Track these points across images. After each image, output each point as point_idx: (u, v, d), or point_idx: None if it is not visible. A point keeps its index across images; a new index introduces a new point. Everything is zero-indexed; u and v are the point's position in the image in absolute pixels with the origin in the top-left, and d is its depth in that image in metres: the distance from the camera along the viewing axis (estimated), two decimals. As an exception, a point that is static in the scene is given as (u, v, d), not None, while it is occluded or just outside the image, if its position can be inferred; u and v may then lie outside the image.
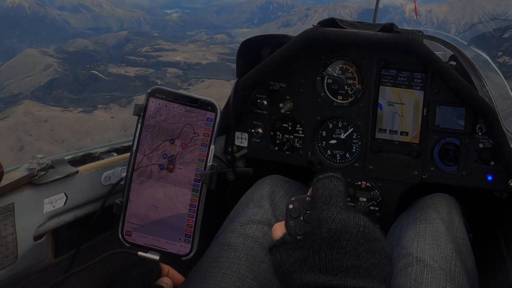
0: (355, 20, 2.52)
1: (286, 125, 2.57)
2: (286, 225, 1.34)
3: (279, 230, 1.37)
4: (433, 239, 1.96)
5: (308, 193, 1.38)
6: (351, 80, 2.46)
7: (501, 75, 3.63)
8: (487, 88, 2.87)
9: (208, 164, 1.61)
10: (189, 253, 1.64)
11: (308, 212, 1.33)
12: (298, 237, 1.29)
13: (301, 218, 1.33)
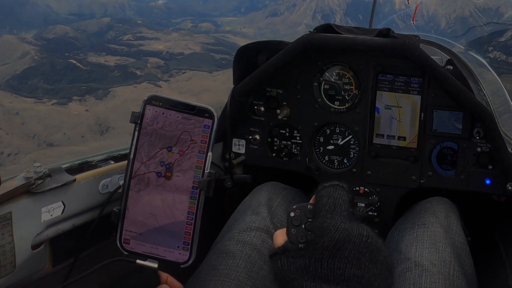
0: (352, 26, 2.53)
1: (284, 131, 2.57)
2: (288, 233, 1.33)
3: (280, 237, 1.36)
4: (431, 244, 1.96)
5: (311, 201, 1.37)
6: (348, 86, 2.46)
7: (498, 79, 3.63)
8: (484, 92, 2.88)
9: (205, 171, 1.61)
10: (188, 260, 1.63)
11: (309, 220, 1.32)
12: (300, 245, 1.28)
13: (303, 226, 1.32)
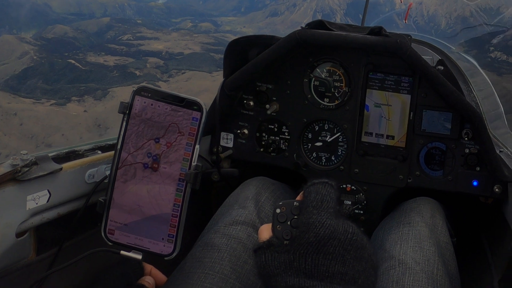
0: (344, 23, 2.53)
1: (272, 127, 2.57)
2: (273, 229, 1.33)
3: (265, 232, 1.36)
4: (416, 242, 1.96)
5: (299, 197, 1.37)
6: (338, 83, 2.46)
7: (489, 80, 3.64)
8: (474, 93, 2.89)
9: (192, 164, 1.61)
10: (172, 253, 1.63)
11: (295, 217, 1.32)
12: (285, 242, 1.28)
13: (288, 223, 1.32)
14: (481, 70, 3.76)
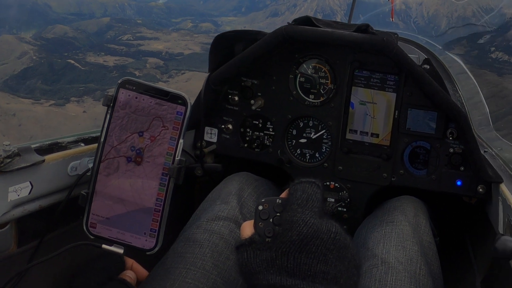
0: (332, 20, 2.52)
1: (257, 122, 2.57)
2: (255, 226, 1.32)
3: (247, 229, 1.36)
4: (399, 241, 1.96)
5: (283, 195, 1.37)
6: (324, 80, 2.46)
7: (474, 80, 3.65)
8: (460, 93, 2.89)
9: (176, 158, 1.60)
10: (154, 247, 1.63)
11: (278, 214, 1.31)
12: (267, 239, 1.27)
13: (271, 220, 1.31)
14: (467, 70, 3.77)
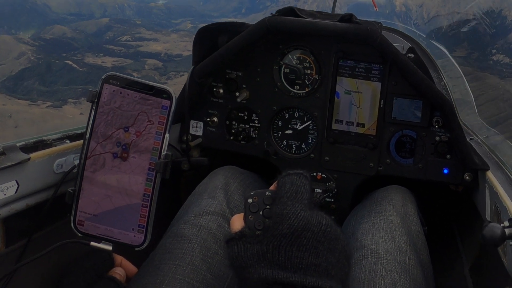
0: (316, 10, 2.52)
1: (242, 114, 2.56)
2: (245, 220, 1.32)
3: (237, 222, 1.36)
4: (388, 232, 1.96)
5: (272, 187, 1.36)
6: (309, 70, 2.45)
7: (459, 68, 3.66)
8: (445, 81, 2.90)
9: (162, 153, 1.60)
10: (143, 243, 1.62)
11: (267, 207, 1.31)
12: (257, 232, 1.27)
13: (261, 213, 1.31)
14: (451, 58, 3.78)
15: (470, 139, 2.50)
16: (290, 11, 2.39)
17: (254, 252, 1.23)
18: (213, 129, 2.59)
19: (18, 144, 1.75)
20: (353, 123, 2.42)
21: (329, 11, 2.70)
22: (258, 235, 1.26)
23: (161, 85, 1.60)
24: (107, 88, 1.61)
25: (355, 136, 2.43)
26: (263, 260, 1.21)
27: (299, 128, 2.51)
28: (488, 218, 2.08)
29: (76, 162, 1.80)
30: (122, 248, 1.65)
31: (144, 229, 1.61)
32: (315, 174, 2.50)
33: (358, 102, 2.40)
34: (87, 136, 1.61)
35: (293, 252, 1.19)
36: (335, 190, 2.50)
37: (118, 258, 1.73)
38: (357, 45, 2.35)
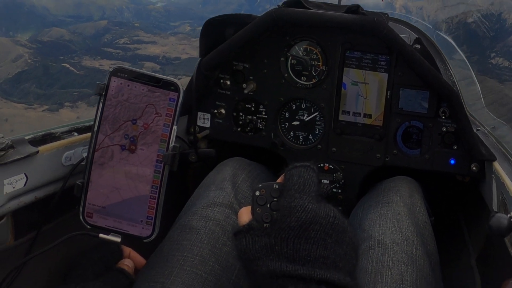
0: (323, 2, 2.52)
1: (249, 106, 2.56)
2: (253, 212, 1.32)
3: (245, 215, 1.36)
4: (395, 222, 1.96)
5: (279, 180, 1.37)
6: (315, 61, 2.45)
7: (466, 59, 3.65)
8: (451, 72, 2.89)
9: (170, 145, 1.60)
10: (151, 235, 1.63)
11: (275, 200, 1.31)
12: (265, 225, 1.28)
13: (268, 205, 1.31)
14: (458, 49, 3.77)
15: (477, 129, 2.50)
16: (297, 3, 2.39)
17: (262, 245, 1.24)
18: (221, 121, 2.59)
19: (26, 137, 1.75)
20: (360, 114, 2.43)
21: (336, 2, 2.69)
22: (265, 228, 1.26)
23: (168, 77, 1.61)
24: (114, 81, 1.61)
25: (362, 127, 2.43)
26: (271, 253, 1.22)
27: (306, 119, 2.52)
28: (494, 208, 2.08)
29: (85, 154, 1.81)
30: (130, 240, 1.65)
31: (153, 221, 1.62)
32: (322, 165, 2.51)
33: (365, 93, 2.40)
34: (95, 128, 1.62)
35: (301, 244, 1.20)
36: (342, 181, 2.51)
37: (127, 250, 1.74)
38: (363, 36, 2.35)
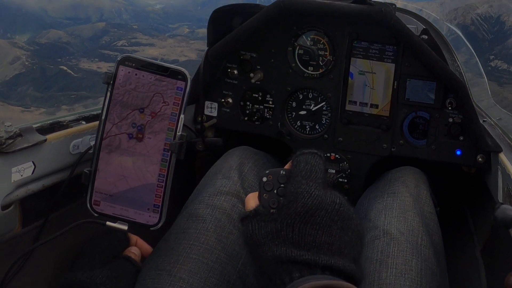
0: None
1: (256, 95, 2.57)
2: (260, 198, 1.33)
3: (252, 201, 1.37)
4: (400, 212, 1.97)
5: (286, 166, 1.38)
6: (323, 51, 2.46)
7: (473, 51, 3.64)
8: (458, 63, 2.89)
9: (177, 133, 1.61)
10: (158, 223, 1.64)
11: (282, 186, 1.32)
12: (272, 211, 1.29)
13: (275, 191, 1.32)
14: (465, 41, 3.75)
15: (483, 120, 2.50)
16: None
17: (268, 230, 1.25)
18: (228, 110, 2.60)
19: (34, 126, 1.76)
20: (366, 104, 2.43)
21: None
22: (272, 213, 1.27)
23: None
24: (122, 70, 1.62)
25: (369, 117, 2.44)
26: (277, 238, 1.23)
27: (313, 109, 2.52)
28: (500, 200, 2.08)
29: (92, 143, 1.82)
30: (137, 228, 1.66)
31: (159, 209, 1.63)
32: (328, 154, 2.51)
33: (371, 83, 2.40)
34: (103, 117, 1.62)
35: (306, 230, 1.21)
36: (349, 170, 2.51)
37: (134, 238, 1.75)
38: (371, 26, 2.35)
